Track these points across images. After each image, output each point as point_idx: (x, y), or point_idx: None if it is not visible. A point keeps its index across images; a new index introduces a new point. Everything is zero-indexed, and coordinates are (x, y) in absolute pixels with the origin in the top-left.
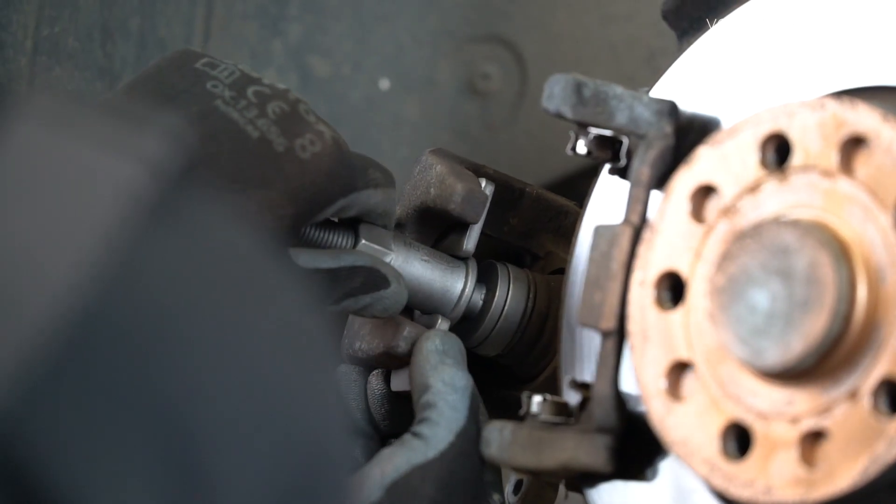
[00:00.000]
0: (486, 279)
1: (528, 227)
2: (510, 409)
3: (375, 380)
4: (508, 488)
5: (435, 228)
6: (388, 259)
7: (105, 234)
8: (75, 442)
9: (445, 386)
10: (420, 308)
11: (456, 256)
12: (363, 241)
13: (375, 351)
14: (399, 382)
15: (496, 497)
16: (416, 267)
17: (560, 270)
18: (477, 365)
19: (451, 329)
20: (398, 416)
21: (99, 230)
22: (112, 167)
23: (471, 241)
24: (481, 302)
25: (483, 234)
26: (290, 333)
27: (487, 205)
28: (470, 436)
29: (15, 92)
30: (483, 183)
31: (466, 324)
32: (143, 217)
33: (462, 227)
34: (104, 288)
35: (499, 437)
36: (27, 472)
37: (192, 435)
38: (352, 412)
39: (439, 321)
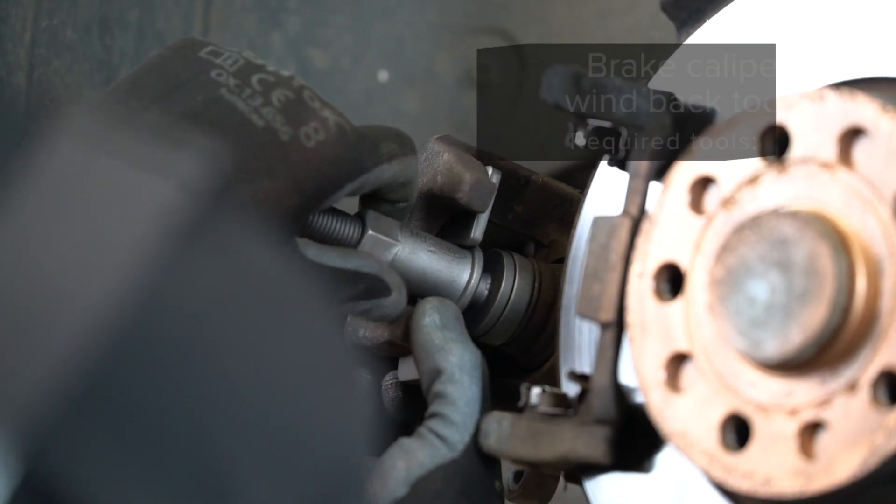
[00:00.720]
0: (491, 268)
1: (533, 216)
2: (515, 398)
3: (390, 375)
4: (509, 477)
5: (441, 216)
6: (394, 250)
7: (142, 254)
8: (106, 463)
9: (457, 370)
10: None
11: (462, 245)
12: (370, 232)
13: (379, 339)
14: (406, 371)
15: (497, 484)
16: (422, 257)
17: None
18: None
19: None
20: (410, 404)
21: (136, 251)
22: (149, 187)
23: (478, 230)
24: (487, 291)
25: (488, 221)
26: (320, 353)
27: (495, 194)
28: None
29: (16, 84)
30: (490, 171)
31: (472, 313)
32: (179, 238)
33: (468, 215)
34: (139, 309)
35: (497, 429)
36: (58, 493)
37: (223, 458)
38: (378, 419)
39: None
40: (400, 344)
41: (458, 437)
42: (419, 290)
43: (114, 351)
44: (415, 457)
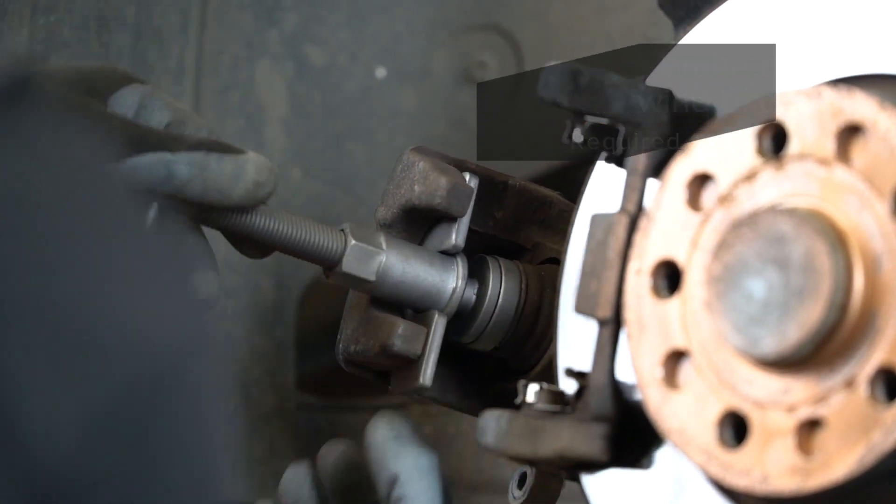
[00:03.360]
0: (477, 273)
1: (514, 221)
2: (508, 403)
3: (331, 453)
4: (512, 483)
5: (422, 226)
6: (379, 258)
7: None
8: None
9: (414, 471)
10: (413, 306)
11: (445, 252)
12: (353, 242)
13: (372, 351)
14: (398, 384)
15: None
16: (407, 265)
17: (548, 261)
18: (472, 359)
19: (446, 326)
20: (354, 489)
21: None
22: None
23: (459, 236)
24: (474, 296)
25: (470, 230)
26: (130, 250)
27: (473, 197)
28: None
29: None
30: (467, 177)
31: (460, 320)
32: None
33: (449, 222)
34: None
35: (496, 426)
36: None
37: (11, 354)
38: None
39: (435, 317)
40: (392, 354)
41: None
42: (406, 298)
43: None
44: None
